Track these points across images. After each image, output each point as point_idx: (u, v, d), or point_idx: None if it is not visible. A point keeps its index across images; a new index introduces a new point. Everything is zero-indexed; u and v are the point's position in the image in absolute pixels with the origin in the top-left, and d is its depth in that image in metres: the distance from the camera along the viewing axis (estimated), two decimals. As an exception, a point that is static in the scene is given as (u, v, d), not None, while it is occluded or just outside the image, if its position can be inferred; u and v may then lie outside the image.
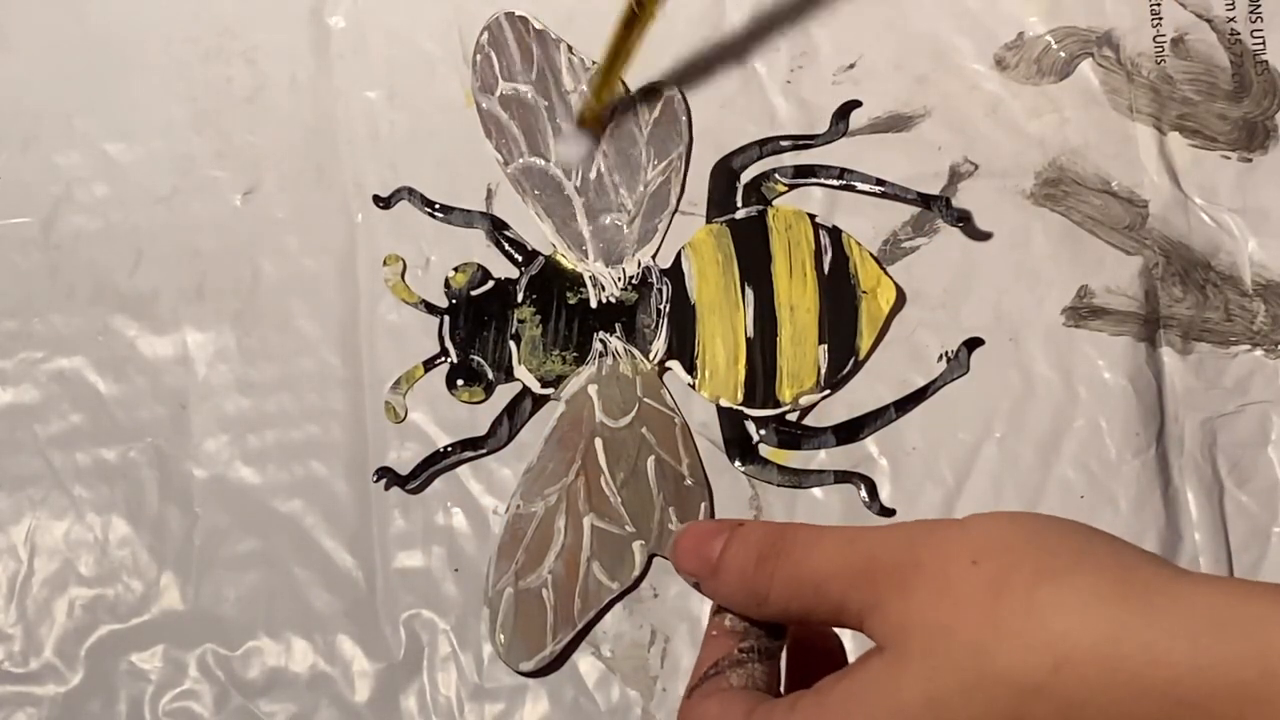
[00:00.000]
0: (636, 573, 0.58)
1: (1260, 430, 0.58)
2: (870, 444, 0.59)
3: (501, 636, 0.57)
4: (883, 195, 0.61)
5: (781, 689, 0.42)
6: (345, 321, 0.61)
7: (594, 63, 0.63)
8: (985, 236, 0.60)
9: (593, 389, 0.60)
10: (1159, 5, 0.62)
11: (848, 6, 0.63)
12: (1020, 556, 0.37)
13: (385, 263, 0.62)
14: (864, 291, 0.60)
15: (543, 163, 0.62)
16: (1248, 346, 0.59)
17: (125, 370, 0.61)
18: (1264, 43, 0.61)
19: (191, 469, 0.60)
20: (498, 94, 0.63)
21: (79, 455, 0.61)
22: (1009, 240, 0.60)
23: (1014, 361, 0.59)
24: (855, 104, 0.62)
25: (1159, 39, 0.62)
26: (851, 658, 0.40)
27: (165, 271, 0.62)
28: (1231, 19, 0.62)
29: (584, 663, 0.58)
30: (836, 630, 0.43)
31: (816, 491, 0.59)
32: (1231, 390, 0.59)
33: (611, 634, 0.58)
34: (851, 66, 0.63)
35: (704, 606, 0.57)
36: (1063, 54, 0.62)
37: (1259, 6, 0.62)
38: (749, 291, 0.60)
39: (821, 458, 0.59)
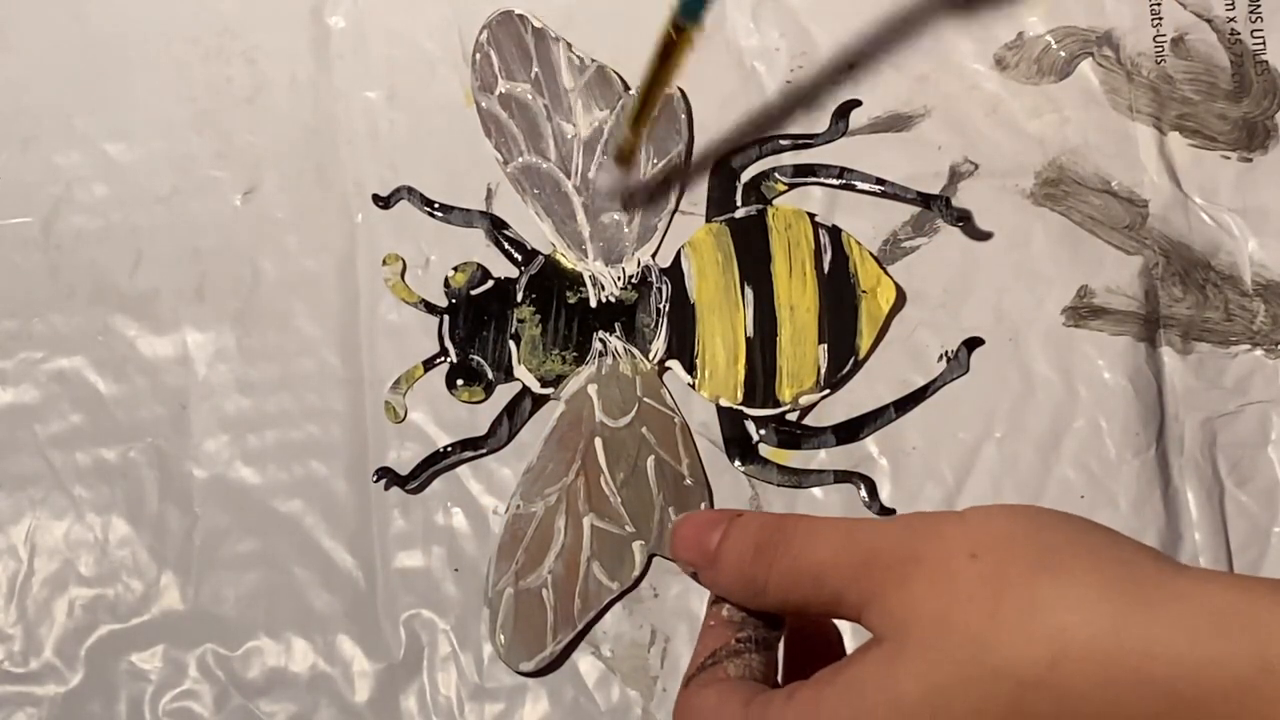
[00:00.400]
0: (636, 573, 0.58)
1: (1260, 430, 0.58)
2: (870, 444, 0.59)
3: (502, 637, 0.57)
4: (883, 194, 0.61)
5: (779, 679, 0.42)
6: (345, 321, 0.61)
7: (593, 61, 0.63)
8: (985, 236, 0.60)
9: (592, 388, 0.60)
10: (1159, 5, 0.62)
11: (848, 6, 0.63)
12: (1019, 550, 0.37)
13: (385, 262, 0.62)
14: (864, 291, 0.60)
15: (542, 162, 0.62)
16: (1248, 346, 0.59)
17: (125, 370, 0.61)
18: (1264, 42, 0.61)
19: (191, 469, 0.60)
20: (497, 93, 0.63)
21: (79, 455, 0.61)
22: (1009, 240, 0.60)
23: (1014, 361, 0.59)
24: (855, 103, 0.62)
25: (1159, 39, 0.62)
26: (850, 648, 0.40)
27: (165, 271, 0.62)
28: (1231, 19, 0.61)
29: (584, 663, 0.58)
30: (835, 621, 0.43)
31: (816, 491, 0.59)
32: (1231, 390, 0.59)
33: (611, 634, 0.58)
34: (851, 66, 0.63)
35: (704, 606, 0.57)
36: (1063, 54, 0.62)
37: (1259, 6, 0.61)
38: (749, 291, 0.60)
39: (821, 457, 0.59)
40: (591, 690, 0.57)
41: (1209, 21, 0.62)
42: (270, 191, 0.63)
